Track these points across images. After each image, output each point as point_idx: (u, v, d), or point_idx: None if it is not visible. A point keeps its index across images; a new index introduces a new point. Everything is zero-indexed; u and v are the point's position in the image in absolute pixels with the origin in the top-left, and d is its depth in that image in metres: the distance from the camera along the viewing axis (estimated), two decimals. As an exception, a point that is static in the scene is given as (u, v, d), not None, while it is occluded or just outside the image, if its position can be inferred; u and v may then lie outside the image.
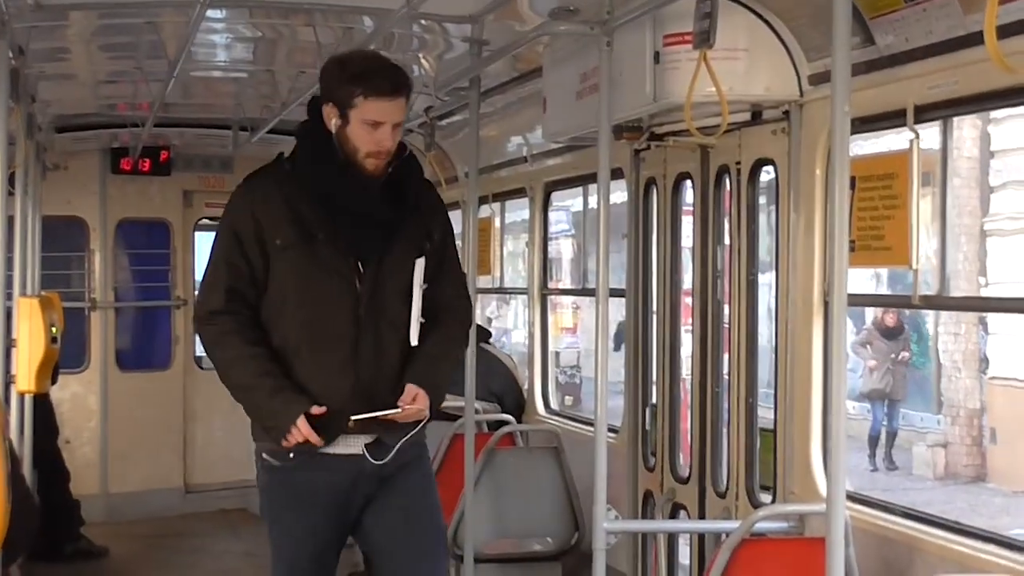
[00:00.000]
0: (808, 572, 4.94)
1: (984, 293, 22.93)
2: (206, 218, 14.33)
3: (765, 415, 6.43)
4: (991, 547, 4.85)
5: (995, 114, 20.92)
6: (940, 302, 5.56)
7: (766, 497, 6.33)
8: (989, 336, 23.09)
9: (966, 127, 22.66)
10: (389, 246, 5.18)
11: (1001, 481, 21.32)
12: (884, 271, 22.62)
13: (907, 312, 22.66)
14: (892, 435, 22.90)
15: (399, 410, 5.10)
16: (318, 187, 5.15)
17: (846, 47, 3.74)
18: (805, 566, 5.08)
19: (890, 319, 22.86)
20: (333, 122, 5.14)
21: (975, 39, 3.53)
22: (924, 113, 5.08)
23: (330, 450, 5.17)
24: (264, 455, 5.31)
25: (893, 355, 22.70)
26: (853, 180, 5.26)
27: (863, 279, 21.81)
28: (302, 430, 5.03)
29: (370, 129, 5.08)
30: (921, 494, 20.35)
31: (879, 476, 22.00)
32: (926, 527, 5.23)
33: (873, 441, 22.78)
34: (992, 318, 22.32)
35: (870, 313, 24.12)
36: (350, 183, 5.13)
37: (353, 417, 5.06)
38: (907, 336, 23.49)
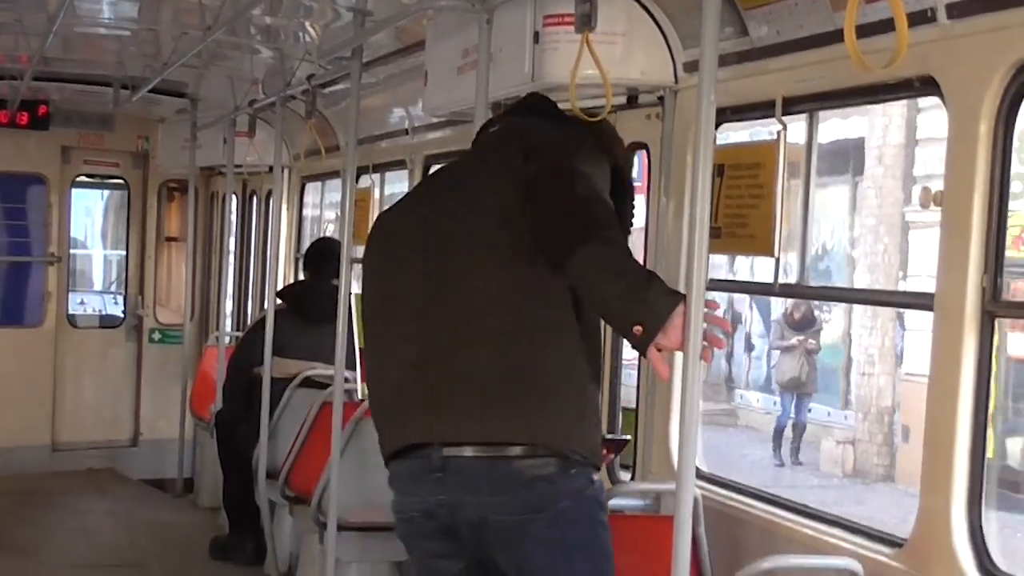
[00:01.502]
0: (659, 548, 5.01)
1: (903, 287, 21.91)
2: (84, 175, 14.22)
3: (629, 395, 6.54)
4: (837, 530, 4.99)
5: (923, 102, 20.21)
6: (800, 291, 5.69)
7: (627, 475, 6.43)
8: (906, 331, 22.01)
9: (893, 114, 21.94)
10: None
11: (912, 482, 19.46)
12: (794, 263, 22.18)
13: (814, 304, 22.20)
14: (800, 429, 22.26)
15: None
16: None
17: (714, 37, 3.82)
18: (656, 542, 5.15)
19: (797, 312, 22.27)
20: None
21: (842, 35, 3.62)
22: (793, 105, 5.19)
23: None
24: (595, 478, 4.41)
25: (802, 348, 22.11)
26: (722, 168, 5.39)
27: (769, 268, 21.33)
28: None
29: None
30: (828, 492, 19.70)
31: (784, 472, 21.40)
32: (777, 509, 5.37)
33: (779, 434, 22.14)
34: (909, 312, 20.40)
35: (777, 306, 23.58)
36: None
37: None
38: (817, 329, 22.87)
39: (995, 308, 4.22)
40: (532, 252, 4.19)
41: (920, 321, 19.91)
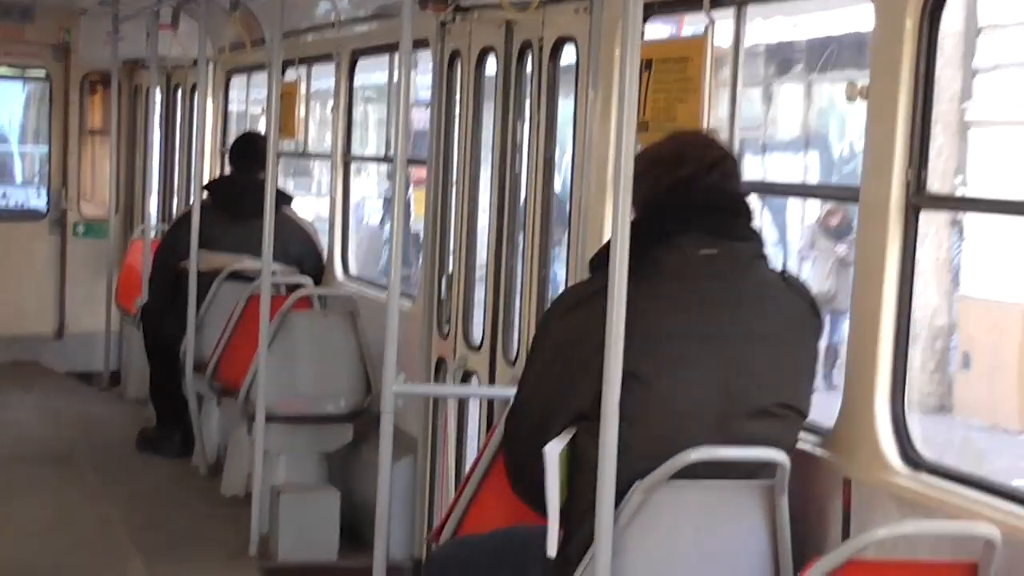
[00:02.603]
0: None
1: (961, 193, 17.76)
2: (3, 66, 14.01)
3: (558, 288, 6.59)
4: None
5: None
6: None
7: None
8: (963, 242, 18.47)
9: (951, -1, 19.16)
10: None
11: (973, 413, 17.52)
12: (817, 164, 21.16)
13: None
14: (833, 350, 17.97)
15: None
16: None
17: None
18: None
19: (834, 217, 19.60)
20: None
21: (770, -70, 3.65)
22: (721, -1, 5.20)
23: None
24: None
25: (836, 258, 19.39)
26: (650, 62, 5.39)
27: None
28: None
29: None
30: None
31: (819, 399, 18.64)
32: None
33: (813, 354, 19.69)
34: (969, 222, 17.78)
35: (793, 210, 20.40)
36: None
37: None
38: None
39: (919, 201, 4.29)
40: None
41: (985, 229, 17.65)
